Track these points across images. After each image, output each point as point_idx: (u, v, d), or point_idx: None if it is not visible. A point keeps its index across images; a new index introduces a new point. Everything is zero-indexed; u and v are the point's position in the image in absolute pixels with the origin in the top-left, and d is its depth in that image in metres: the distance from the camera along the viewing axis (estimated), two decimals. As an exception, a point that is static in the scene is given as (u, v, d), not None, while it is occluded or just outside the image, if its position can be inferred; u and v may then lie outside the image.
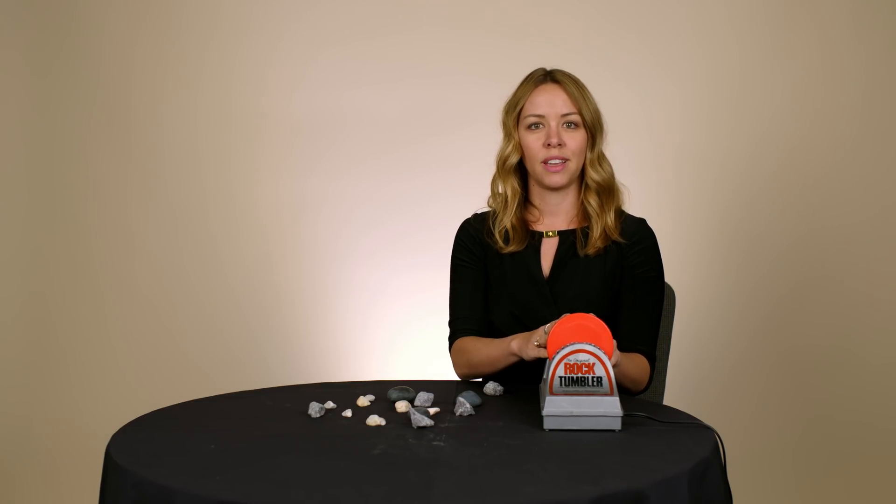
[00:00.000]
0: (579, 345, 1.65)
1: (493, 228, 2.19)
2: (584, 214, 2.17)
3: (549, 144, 2.09)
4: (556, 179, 2.11)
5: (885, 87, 3.35)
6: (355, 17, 3.55)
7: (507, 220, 2.17)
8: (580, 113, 2.11)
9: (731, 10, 3.42)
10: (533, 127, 2.12)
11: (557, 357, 1.65)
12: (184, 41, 3.59)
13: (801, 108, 3.39)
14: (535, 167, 2.13)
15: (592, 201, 2.14)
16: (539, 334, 1.91)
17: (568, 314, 1.76)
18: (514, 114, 2.15)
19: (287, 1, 3.56)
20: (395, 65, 3.54)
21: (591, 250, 2.12)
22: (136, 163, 3.63)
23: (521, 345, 1.97)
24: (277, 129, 3.58)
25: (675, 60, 3.44)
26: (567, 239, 2.16)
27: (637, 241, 2.14)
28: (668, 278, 2.24)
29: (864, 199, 3.37)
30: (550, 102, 2.11)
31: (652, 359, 2.12)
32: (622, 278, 2.13)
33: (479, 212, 2.27)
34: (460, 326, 2.20)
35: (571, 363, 1.65)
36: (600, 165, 2.14)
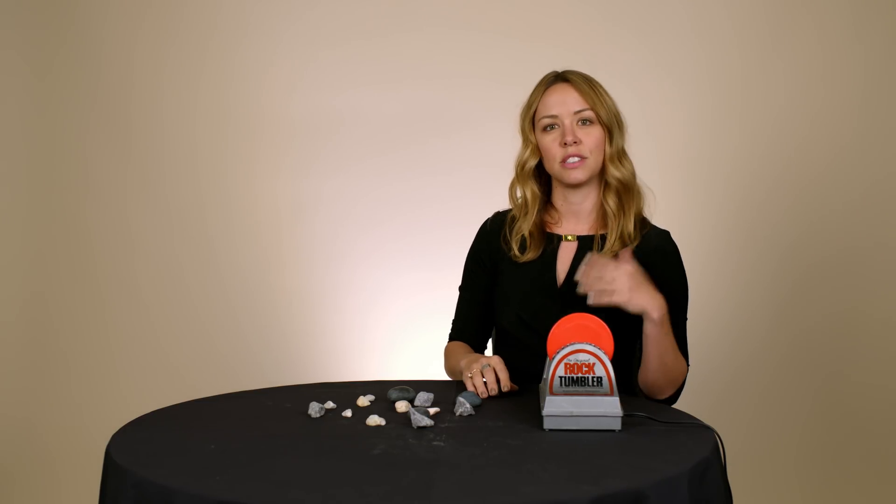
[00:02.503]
0: (579, 345, 1.65)
1: (511, 236, 2.17)
2: (604, 218, 2.14)
3: (565, 143, 2.07)
4: (576, 175, 2.08)
5: (885, 86, 3.34)
6: (355, 18, 3.55)
7: (525, 227, 2.15)
8: (594, 109, 2.09)
9: (731, 10, 3.42)
10: (548, 128, 2.10)
11: (557, 357, 1.65)
12: (184, 41, 3.60)
13: (801, 108, 3.39)
14: (554, 167, 2.10)
15: (611, 202, 2.11)
16: (480, 363, 1.94)
17: (568, 314, 1.76)
18: (529, 117, 2.14)
19: (287, 1, 3.56)
20: (394, 65, 3.54)
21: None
22: (136, 163, 3.63)
23: (465, 367, 1.99)
24: (276, 129, 3.58)
25: (675, 60, 3.44)
26: (586, 245, 2.13)
27: (660, 259, 2.10)
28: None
29: (864, 198, 3.37)
30: (562, 101, 2.10)
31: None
32: None
33: (500, 210, 2.25)
34: (452, 332, 2.27)
35: (571, 363, 1.65)
36: (620, 162, 2.11)
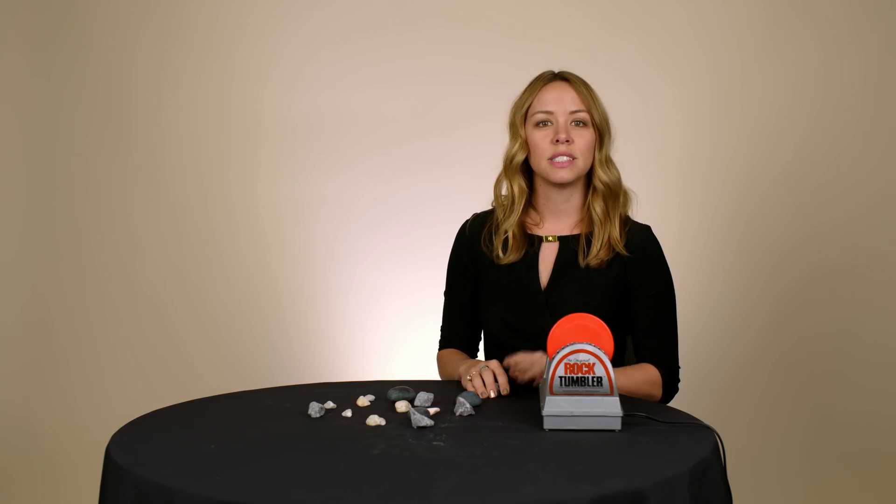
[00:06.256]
0: (579, 345, 1.65)
1: (494, 234, 2.17)
2: (588, 220, 2.13)
3: (557, 141, 2.06)
4: (563, 175, 2.07)
5: (885, 86, 3.34)
6: (354, 17, 3.55)
7: (511, 224, 2.13)
8: (589, 112, 2.08)
9: (731, 10, 3.42)
10: (541, 124, 2.09)
11: (557, 357, 1.65)
12: (184, 41, 3.59)
13: (802, 108, 3.38)
14: (541, 163, 2.09)
15: (598, 207, 2.10)
16: (479, 367, 1.96)
17: (568, 314, 1.76)
18: (522, 112, 2.12)
19: (287, 1, 3.56)
20: (394, 64, 3.54)
21: (593, 261, 2.08)
22: (136, 163, 3.63)
23: (463, 372, 2.01)
24: (277, 129, 3.58)
25: (675, 60, 3.44)
26: (568, 246, 2.13)
27: (642, 255, 2.10)
28: (669, 278, 2.24)
29: (865, 199, 3.36)
30: (559, 99, 2.09)
31: (671, 370, 2.10)
32: (626, 292, 2.10)
33: (479, 212, 2.25)
34: (442, 340, 2.28)
35: (571, 363, 1.65)
36: (608, 167, 2.11)
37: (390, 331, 3.54)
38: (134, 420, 1.77)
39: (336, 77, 3.55)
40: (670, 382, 2.10)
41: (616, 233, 2.09)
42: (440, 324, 2.30)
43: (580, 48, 3.37)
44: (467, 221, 2.25)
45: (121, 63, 3.59)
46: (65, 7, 3.60)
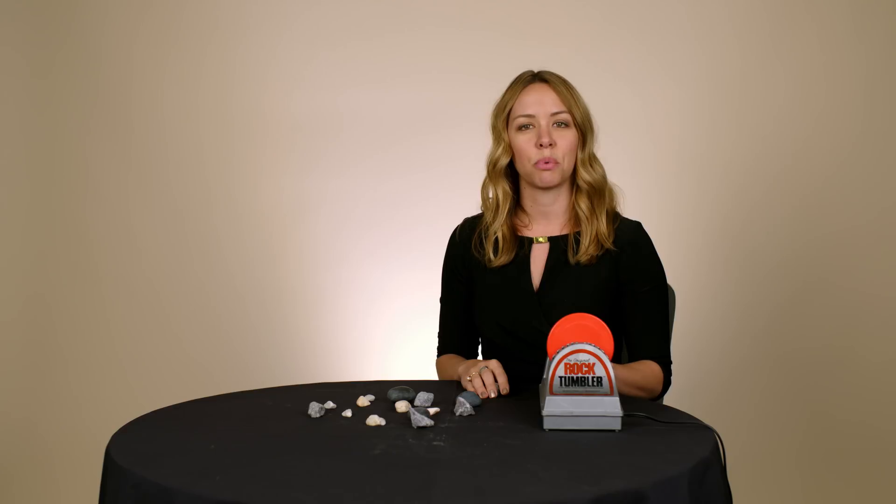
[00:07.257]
0: (579, 345, 1.65)
1: (484, 238, 2.17)
2: (576, 219, 2.13)
3: (540, 145, 2.06)
4: (548, 178, 2.07)
5: (886, 86, 3.34)
6: (355, 17, 3.55)
7: (498, 226, 2.14)
8: (570, 112, 2.08)
9: (731, 10, 3.42)
10: (523, 128, 2.09)
11: (557, 357, 1.65)
12: (184, 41, 3.60)
13: (803, 108, 3.38)
14: (527, 167, 2.09)
15: (583, 205, 2.10)
16: (478, 367, 1.96)
17: (568, 314, 1.76)
18: (504, 116, 2.12)
19: (287, 1, 3.56)
20: (395, 64, 3.54)
21: (583, 258, 2.08)
22: (136, 163, 3.63)
23: (463, 372, 2.02)
24: (277, 129, 3.58)
25: (675, 60, 3.44)
26: (558, 246, 2.13)
27: (633, 251, 2.10)
28: (668, 278, 2.24)
29: (866, 200, 3.36)
30: (540, 101, 2.09)
31: (665, 365, 2.10)
32: (619, 289, 2.10)
33: (469, 216, 2.25)
34: (439, 346, 2.28)
35: (571, 363, 1.65)
36: (591, 166, 2.11)
37: (390, 331, 3.54)
38: (134, 420, 1.77)
39: (336, 77, 3.55)
40: (667, 376, 2.11)
41: (603, 228, 2.09)
42: (437, 330, 2.30)
43: (580, 48, 3.37)
44: (458, 227, 2.25)
45: (121, 63, 3.59)
46: (64, 7, 3.60)
